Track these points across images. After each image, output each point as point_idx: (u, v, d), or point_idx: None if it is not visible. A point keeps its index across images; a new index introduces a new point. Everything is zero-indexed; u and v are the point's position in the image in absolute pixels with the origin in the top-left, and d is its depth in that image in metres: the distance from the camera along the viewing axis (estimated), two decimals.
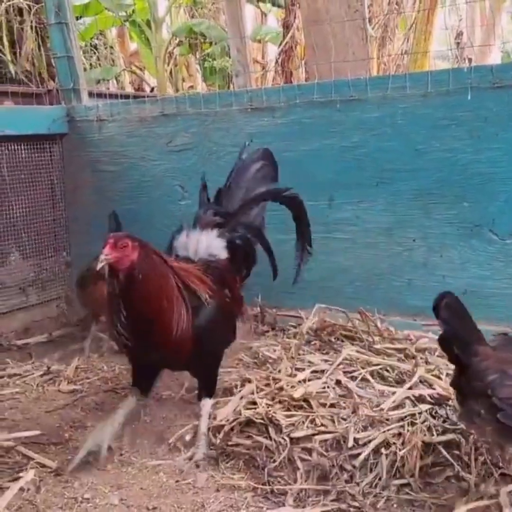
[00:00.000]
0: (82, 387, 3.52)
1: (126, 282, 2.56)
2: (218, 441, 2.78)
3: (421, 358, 3.28)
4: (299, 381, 3.08)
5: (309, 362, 3.34)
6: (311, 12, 5.40)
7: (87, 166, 4.77)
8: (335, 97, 3.79)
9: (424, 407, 2.79)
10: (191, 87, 11.48)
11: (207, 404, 2.90)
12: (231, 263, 3.11)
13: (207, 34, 9.55)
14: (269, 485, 2.54)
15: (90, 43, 10.15)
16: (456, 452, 2.57)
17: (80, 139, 4.77)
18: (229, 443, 2.77)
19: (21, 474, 2.65)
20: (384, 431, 2.63)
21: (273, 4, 10.15)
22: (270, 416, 2.77)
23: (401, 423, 2.68)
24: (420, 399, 2.88)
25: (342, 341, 3.60)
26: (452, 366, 2.40)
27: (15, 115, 4.52)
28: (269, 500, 2.49)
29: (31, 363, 3.87)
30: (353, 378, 3.13)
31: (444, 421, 2.73)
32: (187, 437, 2.91)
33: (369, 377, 3.15)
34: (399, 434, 2.62)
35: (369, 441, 2.60)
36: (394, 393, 2.93)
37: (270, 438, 2.70)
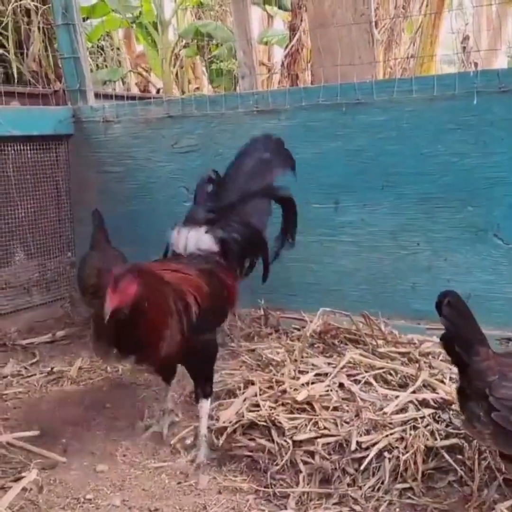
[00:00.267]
0: (86, 387, 3.52)
1: (129, 314, 2.55)
2: (221, 443, 2.78)
3: (424, 362, 3.27)
4: (303, 384, 3.07)
5: (313, 365, 3.33)
6: (318, 15, 5.40)
7: (93, 167, 4.77)
8: (341, 100, 3.79)
9: (427, 411, 2.78)
10: (197, 89, 11.48)
11: (204, 405, 2.89)
12: (223, 257, 3.12)
13: (214, 36, 9.56)
14: (271, 487, 2.54)
15: (97, 45, 10.17)
16: (459, 456, 2.57)
17: (86, 140, 4.78)
18: (232, 445, 2.76)
19: (23, 474, 2.66)
20: (387, 435, 2.62)
21: (280, 7, 10.15)
22: (273, 418, 2.77)
23: (404, 427, 2.67)
24: (423, 403, 2.87)
25: (346, 344, 3.59)
26: (456, 370, 2.40)
27: (22, 116, 4.53)
28: (271, 502, 2.49)
29: (34, 363, 3.88)
30: (356, 382, 3.12)
31: (447, 426, 2.73)
32: (189, 439, 2.92)
33: (372, 380, 3.14)
34: (402, 438, 2.61)
35: (372, 445, 2.59)
36: (397, 397, 2.92)
37: (273, 441, 2.70)
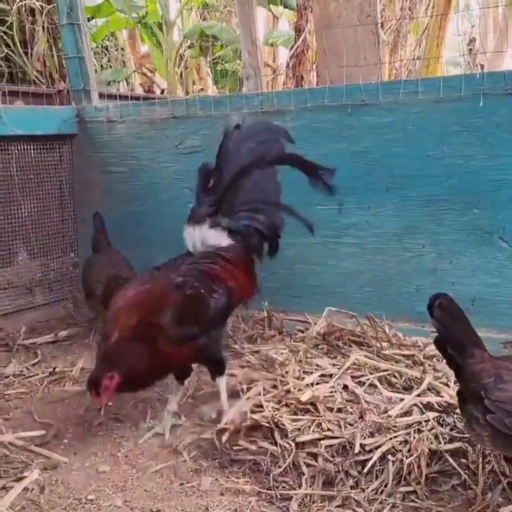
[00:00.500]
0: None
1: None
2: (223, 444, 2.77)
3: (429, 365, 3.26)
4: (307, 385, 3.06)
5: (317, 365, 3.32)
6: (323, 16, 5.39)
7: (96, 167, 4.77)
8: (346, 101, 3.78)
9: (431, 414, 2.77)
10: (202, 89, 11.48)
11: (221, 381, 3.04)
12: (235, 247, 3.11)
13: (219, 37, 9.56)
14: (274, 489, 2.52)
15: (101, 45, 10.17)
16: (463, 460, 2.56)
17: (89, 140, 4.77)
18: (234, 447, 2.75)
19: (25, 474, 2.65)
20: (391, 438, 2.61)
21: (285, 6, 10.13)
22: (276, 420, 2.76)
23: (408, 430, 2.66)
24: (428, 406, 2.86)
25: (350, 346, 3.58)
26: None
27: (26, 115, 4.53)
28: (273, 504, 2.48)
29: (37, 363, 3.87)
30: (360, 384, 3.11)
31: (451, 429, 2.72)
32: (190, 440, 2.91)
33: (376, 382, 3.13)
34: (406, 441, 2.61)
35: (376, 448, 2.58)
36: (401, 400, 2.91)
37: (276, 443, 2.69)
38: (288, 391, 2.98)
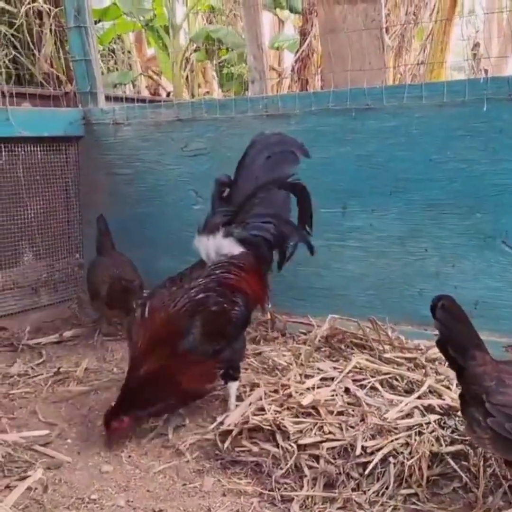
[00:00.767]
0: (92, 388, 3.53)
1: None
2: (226, 446, 2.78)
3: (431, 368, 3.27)
4: (308, 388, 3.07)
5: (319, 369, 3.34)
6: (328, 20, 5.40)
7: (102, 169, 4.79)
8: (350, 105, 3.79)
9: (432, 417, 2.78)
10: (207, 93, 11.50)
11: (233, 385, 3.10)
12: (247, 254, 3.14)
13: (224, 40, 9.57)
14: (276, 491, 2.54)
15: (108, 48, 10.20)
16: (464, 463, 2.56)
17: (95, 142, 4.80)
18: (237, 448, 2.77)
19: (29, 473, 2.67)
20: (392, 440, 2.62)
21: (291, 11, 10.15)
22: (278, 422, 2.77)
23: (409, 433, 2.67)
24: (429, 409, 2.87)
25: (352, 349, 3.59)
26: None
27: (33, 117, 4.55)
28: (275, 506, 2.49)
29: (41, 363, 3.89)
30: (362, 386, 3.12)
31: (452, 432, 2.73)
32: (193, 441, 2.93)
33: (378, 385, 3.14)
34: (407, 443, 2.61)
35: (377, 450, 2.59)
36: (403, 402, 2.92)
37: (278, 445, 2.70)
38: (289, 395, 3.00)
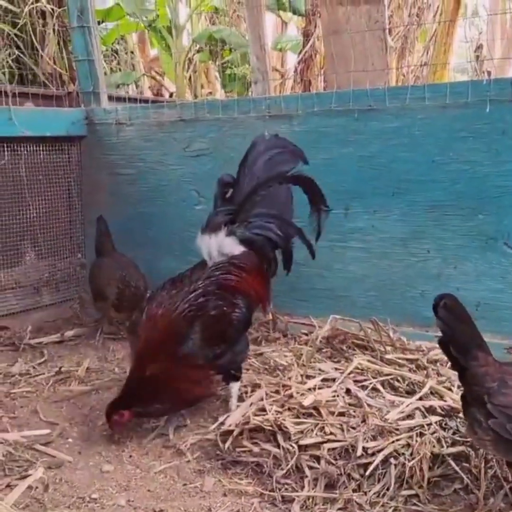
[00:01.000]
0: (93, 387, 3.54)
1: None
2: (227, 446, 2.78)
3: (432, 369, 3.27)
4: (309, 389, 3.07)
5: (320, 370, 3.34)
6: (331, 22, 5.41)
7: (104, 169, 4.80)
8: (353, 106, 3.79)
9: (434, 418, 2.78)
10: (210, 93, 11.50)
11: (235, 386, 3.11)
12: (249, 254, 3.14)
13: (227, 41, 9.58)
14: (276, 491, 2.53)
15: (111, 48, 10.22)
16: (466, 464, 2.56)
17: (98, 142, 4.80)
18: (237, 449, 2.77)
19: (29, 472, 2.67)
20: (393, 441, 2.62)
21: (294, 13, 10.15)
22: (279, 423, 2.77)
23: (410, 434, 2.66)
24: (431, 410, 2.87)
25: (354, 350, 3.59)
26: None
27: (35, 117, 4.55)
28: (276, 506, 2.49)
29: (43, 362, 3.90)
30: (363, 387, 3.12)
31: (454, 433, 2.72)
32: (194, 441, 2.93)
33: (379, 386, 3.14)
34: (408, 444, 2.61)
35: (378, 451, 2.58)
36: (404, 403, 2.92)
37: (279, 445, 2.70)
38: (290, 396, 3.00)
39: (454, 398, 2.92)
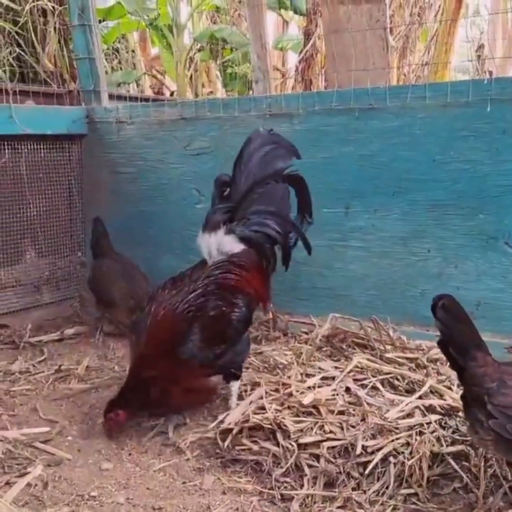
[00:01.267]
0: (93, 385, 3.54)
1: None
2: (226, 445, 2.78)
3: (432, 368, 3.27)
4: (309, 387, 3.07)
5: (320, 368, 3.34)
6: (333, 21, 5.41)
7: (105, 167, 4.80)
8: (354, 105, 3.79)
9: (433, 417, 2.78)
10: (211, 92, 11.49)
11: (235, 385, 3.11)
12: (249, 252, 3.14)
13: (229, 40, 9.57)
14: (276, 490, 2.54)
15: (112, 47, 10.22)
16: (465, 463, 2.56)
17: (99, 140, 4.80)
18: (237, 447, 2.77)
19: (29, 470, 2.67)
20: (392, 440, 2.62)
21: (295, 12, 10.14)
22: (278, 421, 2.77)
23: (410, 433, 2.66)
24: (430, 409, 2.87)
25: (354, 348, 3.59)
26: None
27: (36, 115, 4.55)
28: (275, 504, 2.49)
29: (43, 360, 3.90)
30: (363, 386, 3.12)
31: (453, 432, 2.72)
32: (193, 439, 2.93)
33: (379, 385, 3.14)
34: (408, 443, 2.61)
35: (377, 450, 2.59)
36: (403, 402, 2.92)
37: (278, 444, 2.70)
38: (290, 394, 3.00)
39: (453, 397, 2.92)
